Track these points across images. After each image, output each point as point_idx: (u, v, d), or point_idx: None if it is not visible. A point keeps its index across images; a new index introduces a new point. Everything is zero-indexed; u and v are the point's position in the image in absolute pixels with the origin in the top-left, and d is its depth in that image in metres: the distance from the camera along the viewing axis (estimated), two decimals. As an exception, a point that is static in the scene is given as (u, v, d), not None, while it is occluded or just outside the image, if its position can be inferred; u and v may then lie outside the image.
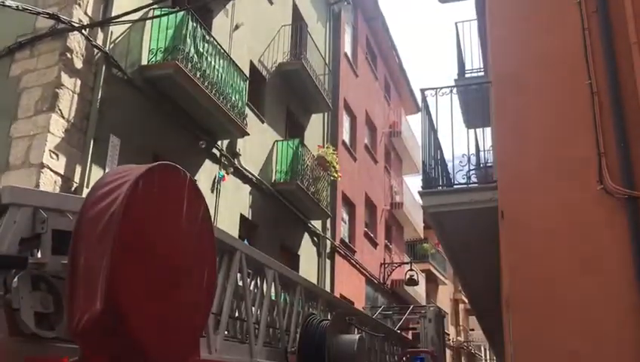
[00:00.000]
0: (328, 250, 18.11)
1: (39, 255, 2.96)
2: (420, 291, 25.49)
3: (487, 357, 41.08)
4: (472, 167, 6.47)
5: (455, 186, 6.29)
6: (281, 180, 14.92)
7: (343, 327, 5.50)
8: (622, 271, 4.89)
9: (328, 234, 18.15)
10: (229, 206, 12.42)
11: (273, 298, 5.46)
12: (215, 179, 12.06)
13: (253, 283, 5.35)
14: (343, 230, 19.76)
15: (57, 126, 8.11)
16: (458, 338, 35.64)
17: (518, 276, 5.19)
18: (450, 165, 6.80)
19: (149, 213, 2.61)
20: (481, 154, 8.55)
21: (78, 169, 8.36)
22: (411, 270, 22.32)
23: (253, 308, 5.08)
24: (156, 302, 2.59)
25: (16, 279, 2.65)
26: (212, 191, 11.80)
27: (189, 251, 2.84)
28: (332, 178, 17.07)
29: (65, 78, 8.32)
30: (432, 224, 6.99)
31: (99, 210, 2.53)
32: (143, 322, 2.48)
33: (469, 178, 6.14)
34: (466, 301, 38.14)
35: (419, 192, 6.25)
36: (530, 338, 5.11)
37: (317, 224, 17.38)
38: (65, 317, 2.72)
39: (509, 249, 5.40)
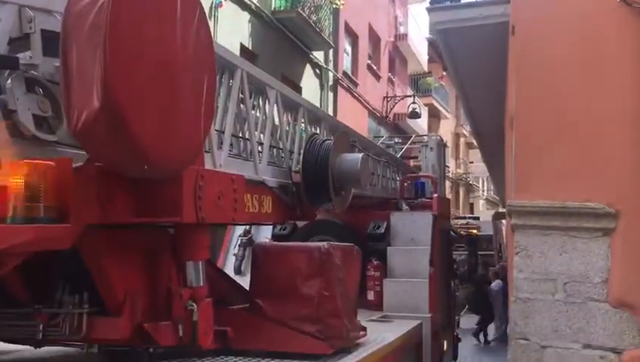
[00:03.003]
0: (331, 82, 17.92)
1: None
2: (422, 125, 25.68)
3: (485, 188, 42.61)
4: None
5: (464, 0, 5.97)
6: (281, 8, 14.34)
7: (346, 147, 5.52)
8: (634, 88, 4.78)
9: (330, 65, 17.83)
10: (228, 34, 12.03)
11: (276, 120, 5.42)
12: (212, 4, 11.55)
13: (255, 103, 5.29)
14: (345, 62, 19.39)
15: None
16: (458, 170, 36.65)
17: (524, 91, 5.09)
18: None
19: (140, 6, 2.44)
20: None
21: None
22: (414, 103, 22.30)
23: (256, 132, 5.06)
24: (154, 101, 2.51)
25: (9, 80, 2.56)
26: (210, 19, 11.36)
27: (187, 52, 2.71)
28: (334, 6, 16.37)
29: None
30: (439, 44, 6.75)
31: (86, 4, 2.36)
32: (142, 121, 2.43)
33: (480, -9, 5.80)
34: (467, 134, 38.71)
35: (426, 8, 5.95)
36: (532, 158, 5.13)
37: (319, 55, 17.00)
38: (65, 121, 2.68)
39: (518, 65, 5.24)
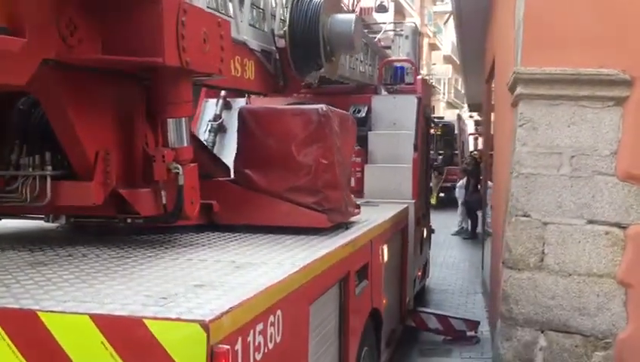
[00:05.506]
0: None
1: None
2: (388, 20, 24.75)
3: (446, 90, 42.49)
4: None
5: None
6: None
7: (337, 7, 4.90)
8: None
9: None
10: None
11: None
12: None
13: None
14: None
15: None
16: (420, 72, 36.15)
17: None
18: None
19: None
20: None
21: None
22: (382, -4, 21.28)
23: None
24: None
25: None
26: None
27: None
28: None
29: None
30: None
31: None
32: None
33: None
34: (431, 35, 37.99)
35: None
36: (543, 21, 4.57)
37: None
38: None
39: None
